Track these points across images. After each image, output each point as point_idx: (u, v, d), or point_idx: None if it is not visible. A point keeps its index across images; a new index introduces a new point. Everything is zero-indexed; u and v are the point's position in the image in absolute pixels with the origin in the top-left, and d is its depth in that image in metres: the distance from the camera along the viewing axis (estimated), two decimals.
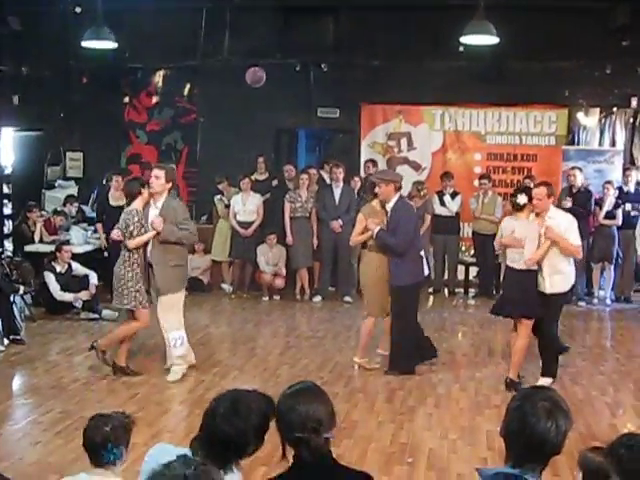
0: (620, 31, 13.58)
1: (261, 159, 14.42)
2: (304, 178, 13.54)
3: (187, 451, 3.31)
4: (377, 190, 9.10)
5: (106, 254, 12.59)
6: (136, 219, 8.47)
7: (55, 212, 13.57)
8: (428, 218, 13.69)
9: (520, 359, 8.67)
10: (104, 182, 12.52)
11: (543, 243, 8.43)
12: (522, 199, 8.52)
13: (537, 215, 8.58)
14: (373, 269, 9.15)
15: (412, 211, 9.68)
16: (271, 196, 14.00)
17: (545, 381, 8.49)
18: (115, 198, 12.61)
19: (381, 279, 9.05)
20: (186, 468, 2.28)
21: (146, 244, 8.62)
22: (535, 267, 8.49)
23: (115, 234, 8.62)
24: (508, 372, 8.70)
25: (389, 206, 9.02)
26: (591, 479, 3.66)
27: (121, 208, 12.37)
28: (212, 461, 3.19)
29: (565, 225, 8.57)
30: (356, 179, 13.95)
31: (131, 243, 8.46)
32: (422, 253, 9.23)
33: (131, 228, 8.43)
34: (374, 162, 14.39)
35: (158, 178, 8.61)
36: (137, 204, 8.61)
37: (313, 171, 14.10)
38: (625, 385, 9.03)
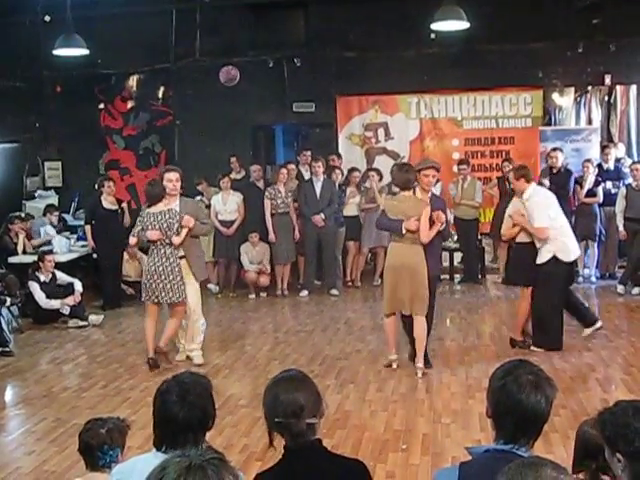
0: (590, 9, 13.63)
1: (233, 159, 14.36)
2: (283, 173, 13.44)
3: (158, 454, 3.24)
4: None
5: (95, 256, 12.93)
6: (177, 218, 8.85)
7: (21, 219, 13.25)
8: None
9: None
10: (95, 187, 12.70)
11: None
12: None
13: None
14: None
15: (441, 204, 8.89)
16: (250, 194, 13.82)
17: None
18: (109, 202, 12.75)
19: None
20: (202, 457, 2.29)
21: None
22: None
23: (152, 234, 8.81)
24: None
25: (428, 196, 8.62)
26: (584, 450, 3.71)
27: (114, 212, 12.63)
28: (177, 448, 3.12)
29: None
30: (337, 172, 13.85)
31: (177, 239, 8.84)
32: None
33: (176, 226, 8.81)
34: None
35: (178, 181, 9.07)
36: (162, 206, 8.92)
37: (292, 166, 14.03)
38: (614, 360, 9.09)
